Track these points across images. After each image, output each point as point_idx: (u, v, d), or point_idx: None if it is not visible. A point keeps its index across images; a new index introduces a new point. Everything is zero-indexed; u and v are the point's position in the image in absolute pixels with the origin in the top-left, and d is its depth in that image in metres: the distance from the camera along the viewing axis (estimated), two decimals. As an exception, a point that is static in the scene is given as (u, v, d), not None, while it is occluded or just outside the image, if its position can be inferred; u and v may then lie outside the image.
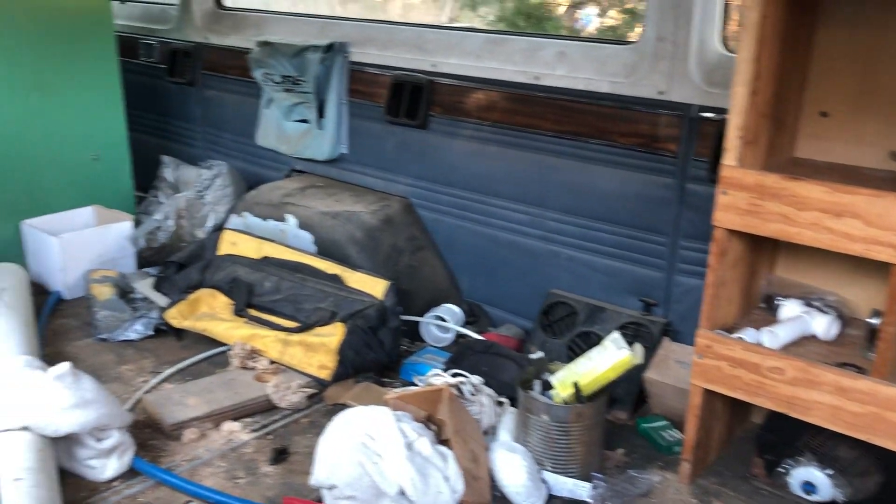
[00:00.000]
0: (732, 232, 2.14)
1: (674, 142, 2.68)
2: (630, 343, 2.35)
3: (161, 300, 3.20)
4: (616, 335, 2.34)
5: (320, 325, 2.90)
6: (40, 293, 3.45)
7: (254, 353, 2.87)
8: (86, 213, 3.76)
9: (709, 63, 2.59)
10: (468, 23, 9.46)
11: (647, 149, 2.75)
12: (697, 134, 2.63)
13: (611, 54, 2.83)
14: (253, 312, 3.07)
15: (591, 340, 2.86)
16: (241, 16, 4.07)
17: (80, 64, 3.64)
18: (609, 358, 2.29)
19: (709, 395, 2.27)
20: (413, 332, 3.20)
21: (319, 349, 2.78)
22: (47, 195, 3.66)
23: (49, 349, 3.02)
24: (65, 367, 2.26)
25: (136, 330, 3.09)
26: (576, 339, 2.91)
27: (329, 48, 3.51)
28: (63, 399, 2.20)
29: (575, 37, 4.96)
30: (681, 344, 2.74)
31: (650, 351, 2.70)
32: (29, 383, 2.25)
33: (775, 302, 2.40)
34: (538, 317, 3.04)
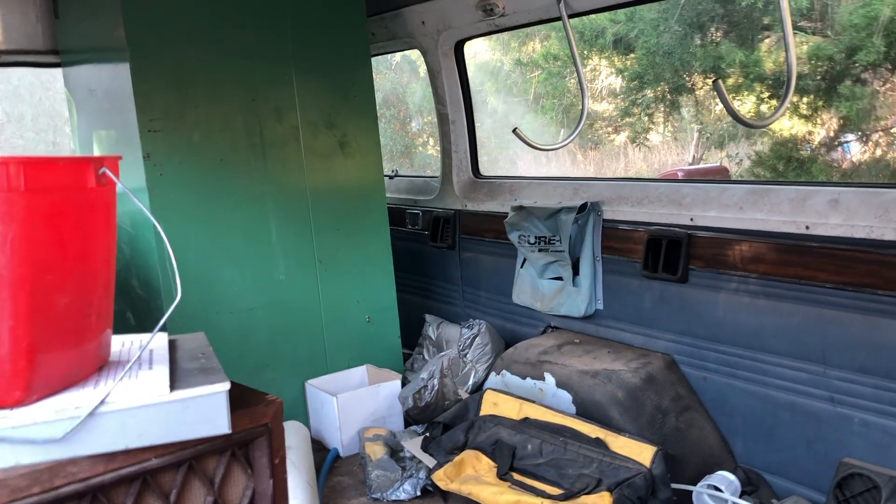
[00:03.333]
0: None
1: (984, 292, 2.36)
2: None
3: (428, 461, 3.29)
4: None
5: (586, 494, 2.80)
6: (319, 449, 3.71)
7: (519, 521, 2.82)
8: (359, 372, 4.05)
9: None
10: (715, 162, 9.32)
11: (950, 300, 2.44)
12: None
13: (894, 199, 2.60)
14: (516, 476, 3.05)
15: (900, 522, 2.48)
16: (496, 183, 4.33)
17: (357, 236, 4.03)
18: (932, 551, 1.96)
19: None
20: (684, 502, 2.97)
21: (586, 519, 2.68)
22: (326, 355, 4.00)
23: (328, 507, 3.20)
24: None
25: (406, 490, 3.19)
26: (881, 520, 2.54)
27: (582, 208, 3.59)
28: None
29: (847, 183, 4.66)
30: None
31: (981, 539, 2.28)
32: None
33: None
34: (831, 489, 2.70)
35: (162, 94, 3.42)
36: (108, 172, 1.26)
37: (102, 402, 1.17)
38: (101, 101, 3.81)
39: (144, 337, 1.53)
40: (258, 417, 1.35)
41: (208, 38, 3.51)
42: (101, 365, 1.35)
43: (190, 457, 1.28)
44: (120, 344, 1.49)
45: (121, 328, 1.48)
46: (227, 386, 1.24)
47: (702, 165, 9.27)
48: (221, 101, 3.57)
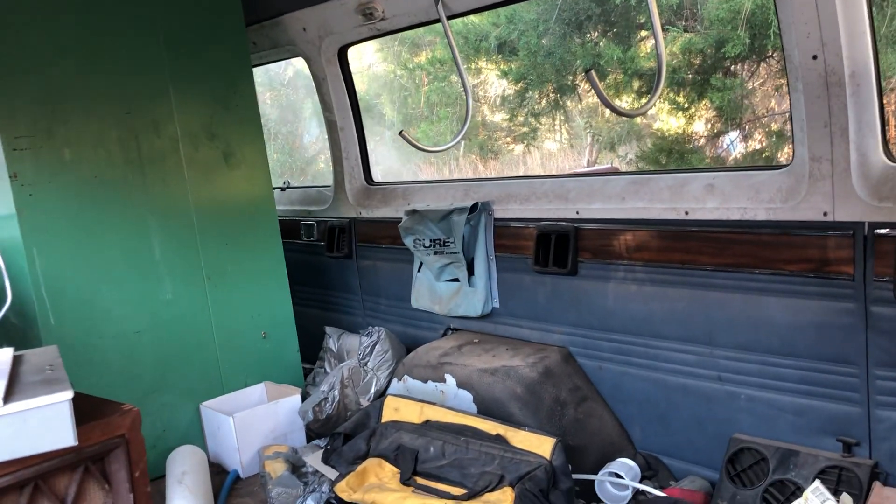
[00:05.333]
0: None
1: (848, 264, 2.47)
2: (835, 492, 2.08)
3: (330, 473, 3.21)
4: (817, 485, 2.08)
5: (489, 491, 2.78)
6: (219, 473, 3.56)
7: (423, 525, 2.77)
8: (257, 390, 3.92)
9: (874, 177, 2.41)
10: (608, 164, 9.58)
11: (818, 274, 2.55)
12: (874, 253, 2.41)
13: (763, 180, 2.71)
14: (420, 480, 3.00)
15: (787, 490, 2.57)
16: (389, 189, 4.30)
17: (248, 250, 3.91)
18: (813, 513, 2.02)
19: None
20: (587, 492, 3.00)
21: (489, 517, 2.66)
22: (221, 376, 3.85)
23: (227, 530, 3.07)
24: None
25: (308, 505, 3.10)
26: (770, 490, 2.61)
27: (473, 209, 3.60)
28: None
29: (721, 167, 4.84)
30: (895, 488, 2.40)
31: (859, 498, 2.37)
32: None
33: None
34: (723, 466, 2.77)
35: (27, 110, 3.23)
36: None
37: (-74, 422, 1.07)
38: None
39: (-13, 354, 1.42)
40: (113, 428, 1.26)
41: (76, 51, 3.35)
42: (-69, 385, 1.24)
43: (34, 476, 1.18)
44: (-42, 362, 1.37)
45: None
46: (69, 395, 1.15)
47: (595, 168, 9.53)
48: (93, 116, 3.41)
